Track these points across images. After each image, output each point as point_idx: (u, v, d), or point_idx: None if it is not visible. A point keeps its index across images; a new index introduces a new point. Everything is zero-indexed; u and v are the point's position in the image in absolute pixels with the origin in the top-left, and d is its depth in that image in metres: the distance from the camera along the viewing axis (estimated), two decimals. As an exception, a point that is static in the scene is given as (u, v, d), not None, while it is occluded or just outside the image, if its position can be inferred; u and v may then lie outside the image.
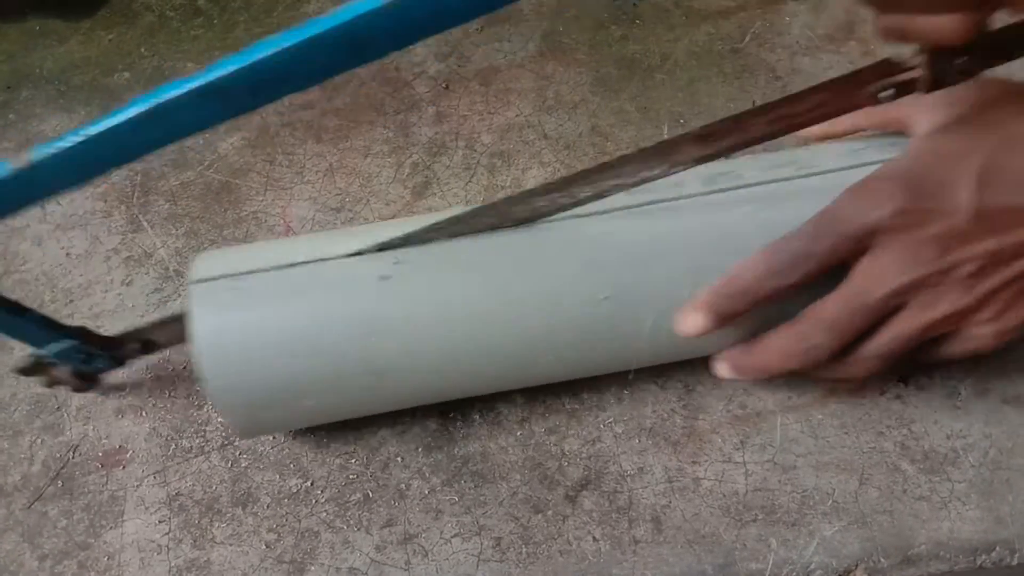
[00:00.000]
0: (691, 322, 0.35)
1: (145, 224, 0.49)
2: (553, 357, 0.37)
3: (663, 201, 0.36)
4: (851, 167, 0.36)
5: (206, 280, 0.35)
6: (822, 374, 0.36)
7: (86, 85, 0.55)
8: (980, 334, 0.34)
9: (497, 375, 0.38)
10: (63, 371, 0.39)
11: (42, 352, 0.38)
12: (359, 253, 0.35)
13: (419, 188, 0.49)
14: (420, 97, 0.53)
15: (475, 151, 0.50)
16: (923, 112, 0.35)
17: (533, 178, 0.49)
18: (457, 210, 0.37)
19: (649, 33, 0.55)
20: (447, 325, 0.35)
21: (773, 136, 0.33)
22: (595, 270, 0.35)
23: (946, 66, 0.31)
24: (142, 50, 0.57)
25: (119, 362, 0.41)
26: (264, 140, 0.52)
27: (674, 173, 0.34)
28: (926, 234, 0.32)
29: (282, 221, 0.49)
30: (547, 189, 0.35)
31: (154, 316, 0.45)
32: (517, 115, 0.52)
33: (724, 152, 0.34)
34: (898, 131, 0.37)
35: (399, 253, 0.35)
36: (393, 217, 0.48)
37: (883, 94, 0.32)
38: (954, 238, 0.32)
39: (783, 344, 0.35)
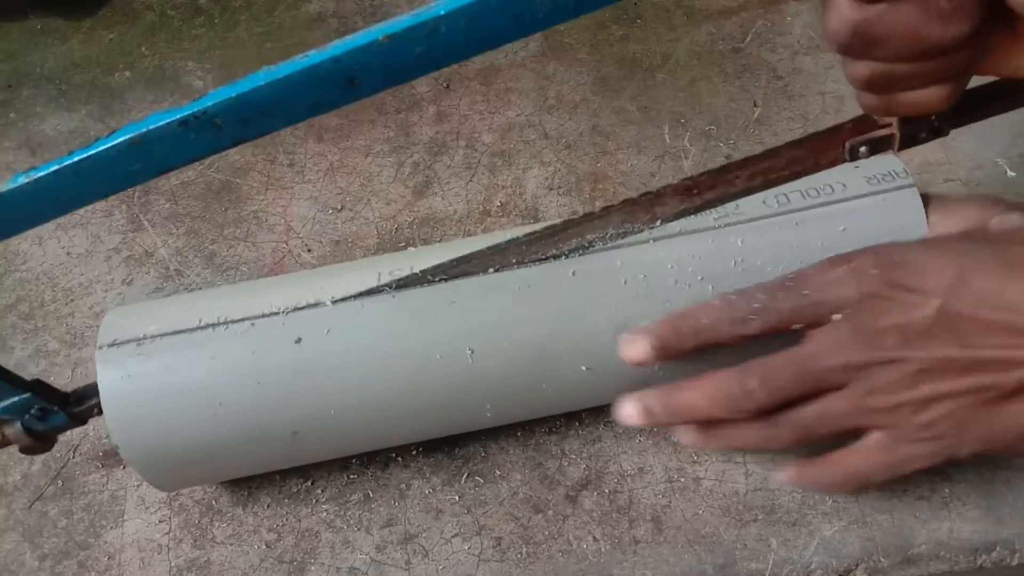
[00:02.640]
0: (634, 349, 0.34)
1: (146, 223, 0.49)
2: (471, 409, 0.36)
3: (576, 255, 0.35)
4: (778, 213, 0.36)
5: (112, 344, 0.34)
6: (739, 436, 0.34)
7: (87, 84, 0.55)
8: (883, 454, 0.32)
9: (416, 428, 0.37)
10: (14, 430, 0.34)
11: None
12: (273, 314, 0.34)
13: (420, 187, 0.49)
14: (421, 96, 0.53)
15: (476, 150, 0.50)
16: (941, 219, 0.36)
17: (534, 178, 0.49)
18: (421, 259, 0.36)
19: (650, 33, 0.55)
20: (361, 388, 0.34)
21: (752, 192, 0.35)
22: (515, 321, 0.35)
23: (918, 125, 0.32)
24: (143, 49, 0.57)
25: (79, 420, 0.36)
26: (265, 139, 0.52)
27: (654, 226, 0.35)
28: (889, 322, 0.31)
29: (283, 220, 0.49)
30: (528, 243, 0.35)
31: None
32: (518, 115, 0.52)
33: (705, 207, 0.35)
34: None
35: (312, 314, 0.34)
36: (393, 217, 0.48)
37: (860, 150, 0.33)
38: (916, 333, 0.31)
39: (713, 385, 0.33)
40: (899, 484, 0.38)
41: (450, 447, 0.40)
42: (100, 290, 0.47)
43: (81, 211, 0.50)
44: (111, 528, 0.39)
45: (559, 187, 0.48)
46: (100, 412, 0.35)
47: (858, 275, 0.32)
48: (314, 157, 0.51)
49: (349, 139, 0.52)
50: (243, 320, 0.34)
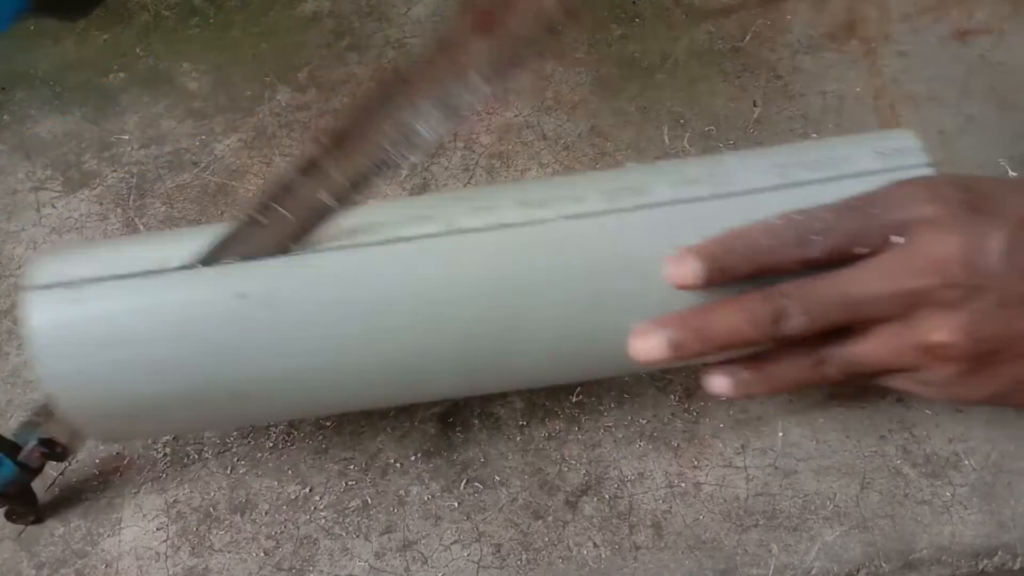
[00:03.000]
0: (683, 268, 0.30)
1: (141, 227, 0.49)
2: (426, 375, 0.34)
3: (558, 220, 0.33)
4: (778, 187, 0.33)
5: (44, 287, 0.32)
6: (785, 374, 0.32)
7: (81, 86, 0.55)
8: (936, 390, 0.31)
9: (368, 393, 0.35)
10: None
11: None
12: (216, 262, 0.32)
13: (417, 190, 0.49)
14: (418, 97, 0.53)
15: (473, 152, 0.50)
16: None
17: (533, 179, 0.49)
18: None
19: (649, 32, 0.54)
20: (309, 348, 0.32)
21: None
22: (477, 295, 0.32)
23: None
24: (137, 50, 0.56)
25: (28, 470, 0.35)
26: (261, 141, 0.52)
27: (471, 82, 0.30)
28: (955, 247, 0.28)
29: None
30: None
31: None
32: (516, 115, 0.51)
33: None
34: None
35: (256, 266, 0.32)
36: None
37: None
38: (982, 262, 0.28)
39: (751, 305, 0.30)
40: (900, 489, 0.38)
41: (449, 452, 0.40)
42: (96, 295, 0.46)
43: (76, 215, 0.49)
44: (108, 536, 0.39)
45: (558, 189, 0.48)
46: (47, 458, 0.33)
47: (932, 191, 0.30)
48: (311, 159, 0.51)
49: (346, 141, 0.51)
50: (184, 268, 0.32)
